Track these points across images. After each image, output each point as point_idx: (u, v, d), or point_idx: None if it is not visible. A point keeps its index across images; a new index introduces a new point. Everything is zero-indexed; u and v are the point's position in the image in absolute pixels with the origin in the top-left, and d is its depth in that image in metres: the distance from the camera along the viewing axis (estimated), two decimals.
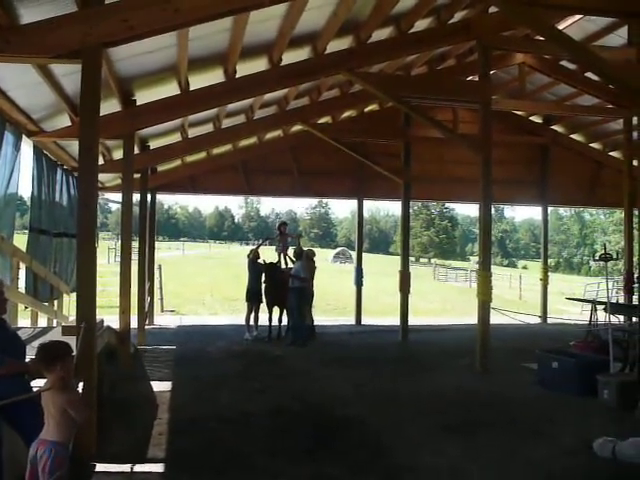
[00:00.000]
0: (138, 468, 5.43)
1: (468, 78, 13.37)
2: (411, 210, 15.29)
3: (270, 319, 13.01)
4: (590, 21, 11.02)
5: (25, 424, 4.23)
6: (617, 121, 14.92)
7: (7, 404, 3.93)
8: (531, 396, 8.44)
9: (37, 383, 4.63)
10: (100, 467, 5.34)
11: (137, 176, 11.71)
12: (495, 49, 10.72)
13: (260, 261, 13.08)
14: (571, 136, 17.18)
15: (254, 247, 13.59)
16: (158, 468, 5.46)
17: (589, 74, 12.64)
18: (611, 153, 17.24)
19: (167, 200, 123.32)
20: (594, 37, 11.41)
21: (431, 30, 10.34)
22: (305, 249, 13.48)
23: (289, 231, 14.53)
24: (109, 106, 8.23)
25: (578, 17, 10.75)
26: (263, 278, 12.90)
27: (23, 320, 9.87)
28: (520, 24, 9.69)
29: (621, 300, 15.85)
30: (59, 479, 3.82)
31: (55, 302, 11.01)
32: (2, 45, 5.19)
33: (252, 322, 13.04)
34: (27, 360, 4.70)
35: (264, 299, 12.96)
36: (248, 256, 13.24)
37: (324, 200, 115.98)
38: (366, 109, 15.77)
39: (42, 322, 10.37)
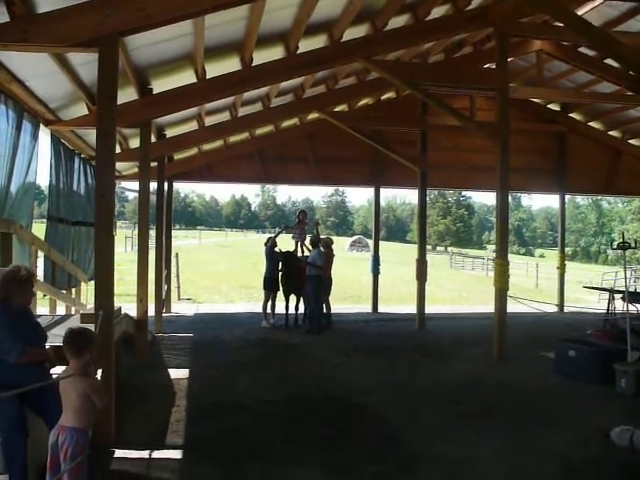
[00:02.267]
0: (156, 454, 5.49)
1: (485, 66, 13.25)
2: (428, 198, 15.23)
3: (287, 307, 13.05)
4: (610, 6, 10.86)
5: (49, 410, 4.28)
6: (637, 108, 14.74)
7: (31, 391, 3.98)
8: (548, 385, 8.42)
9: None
10: (119, 453, 5.41)
11: (154, 164, 11.75)
12: (512, 36, 10.62)
13: (277, 249, 13.13)
14: (589, 124, 16.96)
15: (272, 235, 13.60)
16: (176, 454, 5.53)
17: (608, 60, 12.48)
18: (630, 141, 17.03)
19: (184, 188, 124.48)
20: (614, 22, 11.21)
21: (448, 17, 10.24)
22: (323, 237, 13.48)
23: (308, 220, 14.53)
24: (126, 95, 8.25)
25: (598, 2, 10.62)
26: (280, 266, 12.96)
27: (42, 308, 9.99)
28: (538, 10, 9.58)
29: (639, 289, 15.76)
30: (80, 464, 3.88)
31: (73, 290, 11.11)
32: (19, 35, 5.20)
33: (269, 310, 13.11)
34: (47, 347, 4.78)
35: (281, 287, 13.04)
36: (265, 244, 13.25)
37: (340, 188, 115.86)
38: (383, 97, 15.68)
39: (60, 310, 10.49)
